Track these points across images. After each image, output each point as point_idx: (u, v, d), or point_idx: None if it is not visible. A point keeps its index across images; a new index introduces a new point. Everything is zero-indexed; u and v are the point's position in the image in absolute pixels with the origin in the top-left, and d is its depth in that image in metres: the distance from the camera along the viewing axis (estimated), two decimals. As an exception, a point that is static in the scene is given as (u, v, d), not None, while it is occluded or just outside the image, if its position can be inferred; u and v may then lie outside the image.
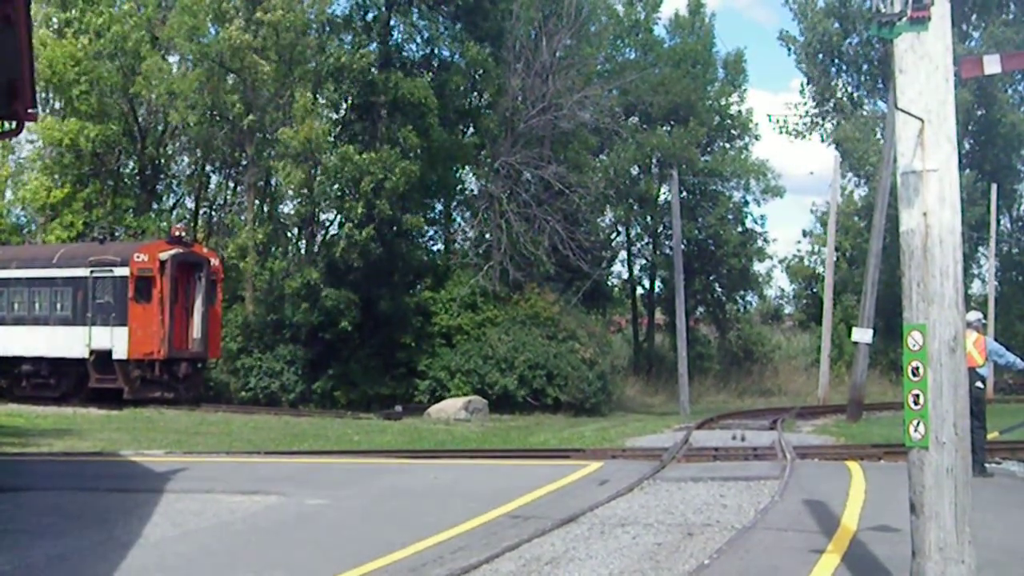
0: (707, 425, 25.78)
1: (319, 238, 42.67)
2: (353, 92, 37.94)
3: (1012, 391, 44.52)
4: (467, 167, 43.04)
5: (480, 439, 24.06)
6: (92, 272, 32.09)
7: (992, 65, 7.23)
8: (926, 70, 6.42)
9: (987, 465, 13.78)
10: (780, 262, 59.39)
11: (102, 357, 31.74)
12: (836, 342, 44.77)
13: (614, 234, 53.72)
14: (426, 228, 42.21)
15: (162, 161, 45.68)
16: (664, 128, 50.55)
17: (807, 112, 57.31)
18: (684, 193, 45.41)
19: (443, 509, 11.66)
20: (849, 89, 58.21)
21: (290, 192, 41.99)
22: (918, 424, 6.34)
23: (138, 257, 31.75)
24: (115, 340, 31.43)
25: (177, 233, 33.84)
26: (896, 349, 43.80)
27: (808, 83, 57.77)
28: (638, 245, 55.54)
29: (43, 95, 39.88)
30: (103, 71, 40.17)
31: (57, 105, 42.83)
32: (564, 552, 9.37)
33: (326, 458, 18.18)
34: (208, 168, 46.97)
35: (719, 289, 55.30)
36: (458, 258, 40.42)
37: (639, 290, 57.69)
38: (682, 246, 41.90)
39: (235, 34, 36.81)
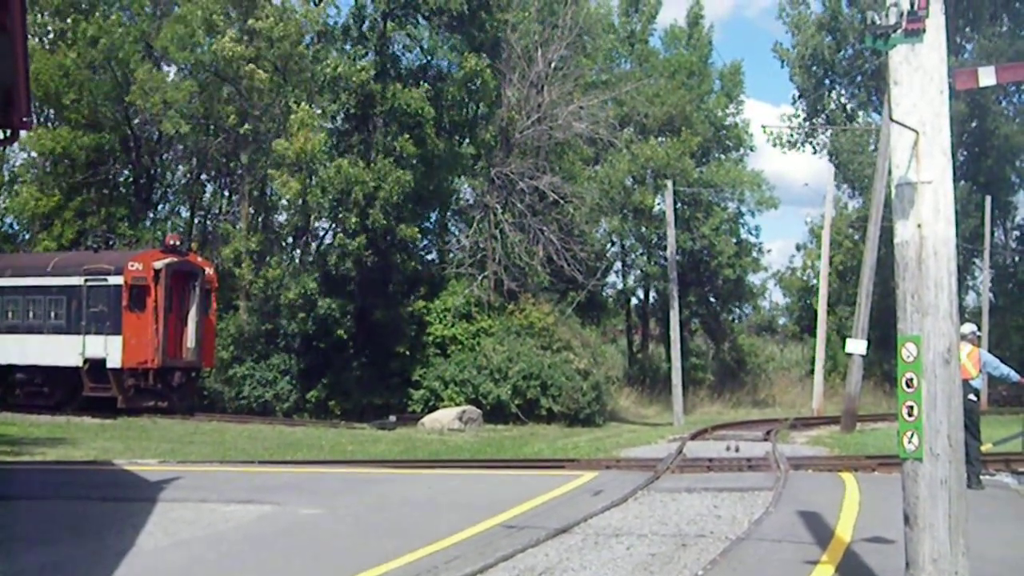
0: (701, 436, 25.74)
1: (313, 247, 42.71)
2: (351, 103, 37.96)
3: (1006, 403, 44.50)
4: (462, 177, 43.07)
5: (474, 449, 24.05)
6: (86, 281, 32.04)
7: (987, 77, 7.25)
8: (921, 82, 6.44)
9: (981, 477, 13.79)
10: (774, 275, 59.48)
11: (96, 366, 31.68)
12: (830, 354, 44.78)
13: (609, 245, 53.74)
14: (421, 238, 42.19)
15: (157, 170, 45.68)
16: (659, 139, 50.62)
17: (800, 124, 57.47)
18: (679, 204, 45.37)
19: (437, 519, 11.65)
20: (843, 101, 58.37)
21: (284, 202, 42.04)
22: (912, 435, 6.34)
23: (132, 266, 31.71)
24: (109, 349, 31.36)
25: (172, 242, 33.79)
26: (890, 361, 43.86)
27: (800, 96, 57.96)
28: (633, 256, 55.56)
29: (33, 105, 39.83)
30: (96, 81, 40.17)
31: (51, 114, 42.91)
32: (558, 562, 9.36)
33: (320, 468, 18.16)
34: (203, 177, 47.01)
35: (713, 300, 55.31)
36: (453, 268, 40.35)
37: (633, 301, 57.75)
38: (677, 257, 41.89)
39: (228, 45, 36.83)
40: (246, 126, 38.54)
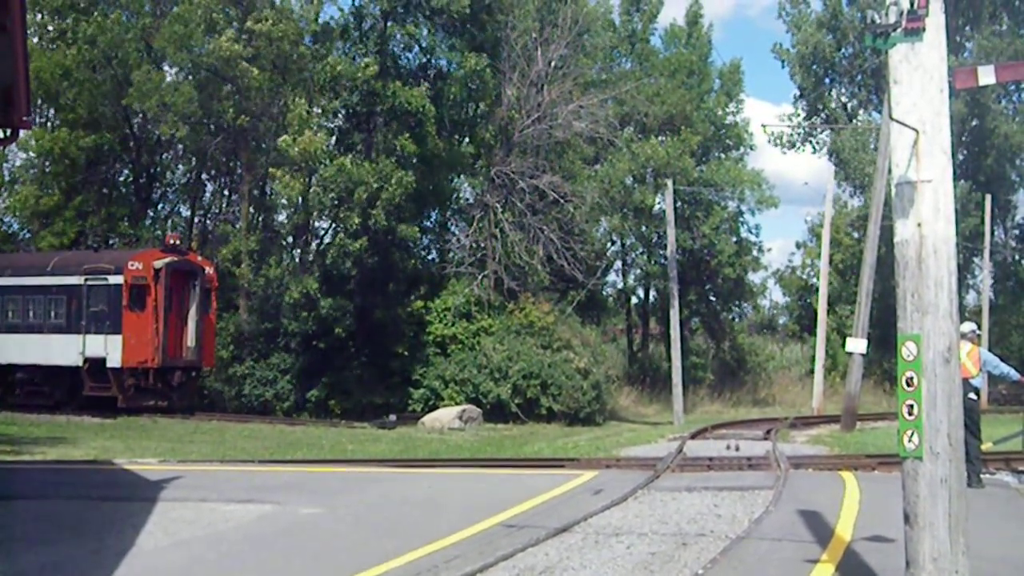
0: (701, 435, 25.70)
1: (313, 246, 42.68)
2: (352, 101, 37.95)
3: (1006, 402, 44.51)
4: (462, 176, 43.06)
5: (474, 448, 24.07)
6: (86, 280, 32.04)
7: (987, 76, 7.24)
8: (921, 81, 6.43)
9: (981, 476, 13.79)
10: (774, 274, 59.40)
11: (96, 365, 31.69)
12: (830, 353, 44.73)
13: (609, 244, 53.71)
14: (421, 237, 42.20)
15: (157, 170, 45.65)
16: (659, 138, 50.57)
17: (800, 123, 57.44)
18: (679, 203, 45.29)
19: (437, 518, 11.65)
20: (843, 100, 58.34)
21: (285, 201, 42.01)
22: (912, 434, 6.34)
23: (132, 265, 31.71)
24: (109, 348, 31.37)
25: (172, 241, 33.81)
26: (890, 359, 43.85)
27: (800, 95, 57.94)
28: (633, 255, 55.50)
29: (34, 105, 39.73)
30: (95, 80, 40.09)
31: (51, 114, 42.85)
32: (558, 561, 9.36)
33: (320, 467, 18.16)
34: (203, 177, 46.98)
35: (714, 299, 55.28)
36: (453, 267, 40.34)
37: (634, 300, 57.71)
38: (677, 256, 41.84)
39: (227, 45, 36.79)
40: (244, 117, 38.42)
